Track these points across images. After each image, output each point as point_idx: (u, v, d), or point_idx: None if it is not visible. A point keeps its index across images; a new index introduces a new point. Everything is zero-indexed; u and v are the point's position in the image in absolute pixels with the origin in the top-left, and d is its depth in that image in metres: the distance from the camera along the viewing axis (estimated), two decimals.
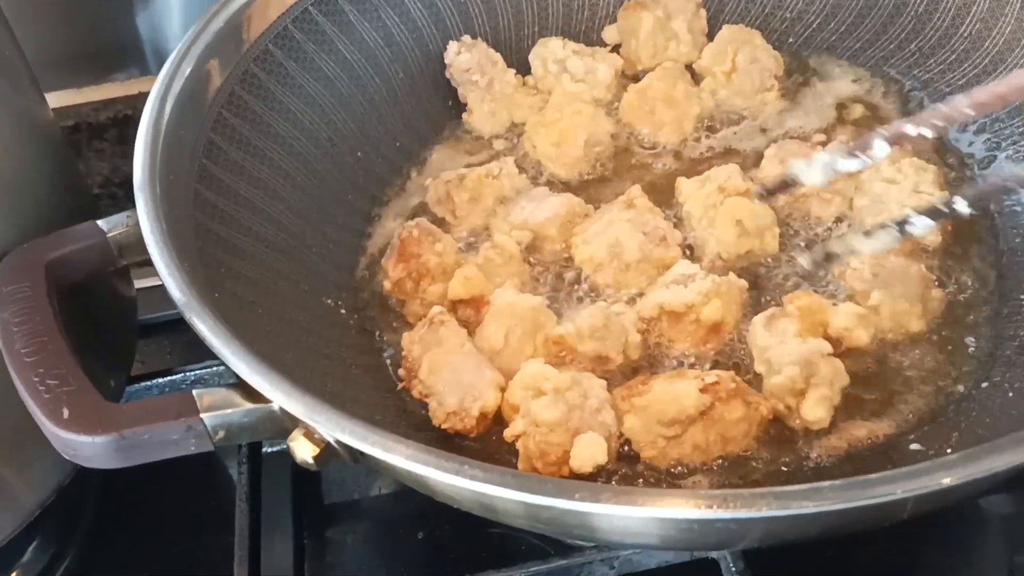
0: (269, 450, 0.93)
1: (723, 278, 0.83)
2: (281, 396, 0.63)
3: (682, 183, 0.93)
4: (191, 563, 0.91)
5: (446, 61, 1.05)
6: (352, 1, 1.00)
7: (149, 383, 0.95)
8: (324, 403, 0.63)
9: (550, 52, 1.07)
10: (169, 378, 0.96)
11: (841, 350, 0.79)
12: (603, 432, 0.75)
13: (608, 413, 0.76)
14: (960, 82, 0.99)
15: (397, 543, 0.91)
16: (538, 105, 1.05)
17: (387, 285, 0.90)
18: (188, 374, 0.96)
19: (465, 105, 1.06)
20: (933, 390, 0.80)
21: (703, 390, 0.74)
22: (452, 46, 1.05)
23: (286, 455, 0.90)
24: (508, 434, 0.76)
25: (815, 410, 0.76)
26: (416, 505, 0.92)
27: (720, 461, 0.76)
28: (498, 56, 1.06)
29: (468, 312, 0.86)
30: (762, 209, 0.89)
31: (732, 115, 1.04)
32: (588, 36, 1.12)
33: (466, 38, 1.06)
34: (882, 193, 0.89)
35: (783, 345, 0.78)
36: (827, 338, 0.79)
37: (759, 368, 0.80)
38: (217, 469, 0.97)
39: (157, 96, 0.82)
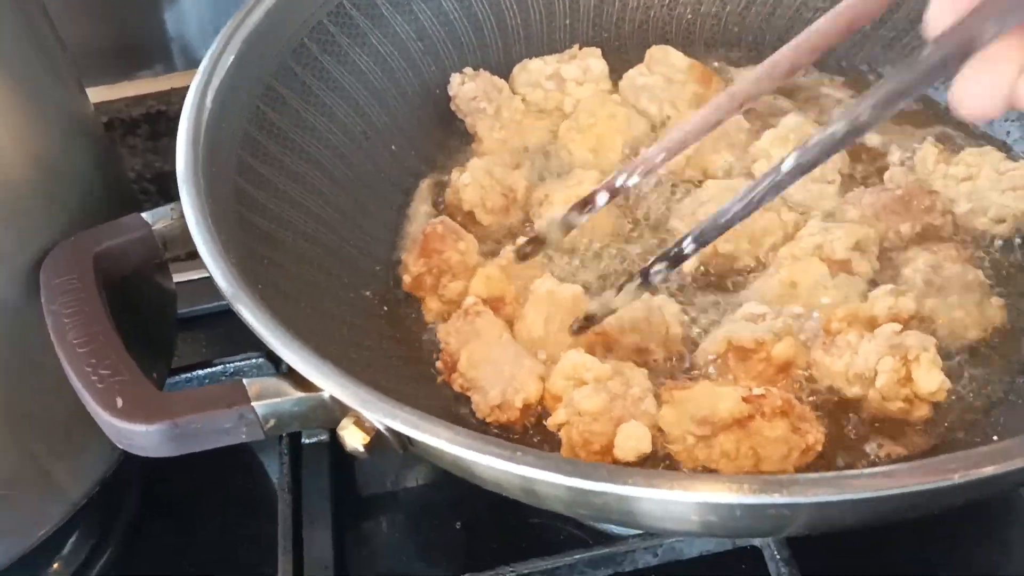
0: (307, 441, 0.94)
1: (796, 320, 0.81)
2: (333, 385, 0.63)
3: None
4: (231, 554, 0.92)
5: (450, 93, 1.03)
6: None
7: (189, 375, 0.96)
8: (375, 391, 0.64)
9: (535, 73, 1.04)
10: (208, 370, 0.96)
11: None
12: (646, 421, 0.75)
13: (651, 402, 0.76)
14: None
15: (435, 533, 0.92)
16: (550, 128, 1.01)
17: (406, 279, 0.90)
18: (228, 365, 0.97)
19: (474, 136, 1.03)
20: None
21: (746, 399, 0.72)
22: (455, 78, 1.03)
23: (324, 447, 0.93)
24: (551, 423, 0.77)
25: (930, 379, 0.73)
26: (453, 495, 0.93)
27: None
28: (503, 83, 1.04)
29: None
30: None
31: None
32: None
33: (468, 70, 1.04)
34: (972, 192, 0.88)
35: (859, 354, 0.76)
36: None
37: (853, 392, 0.77)
38: (255, 461, 0.98)
39: (198, 89, 0.82)
